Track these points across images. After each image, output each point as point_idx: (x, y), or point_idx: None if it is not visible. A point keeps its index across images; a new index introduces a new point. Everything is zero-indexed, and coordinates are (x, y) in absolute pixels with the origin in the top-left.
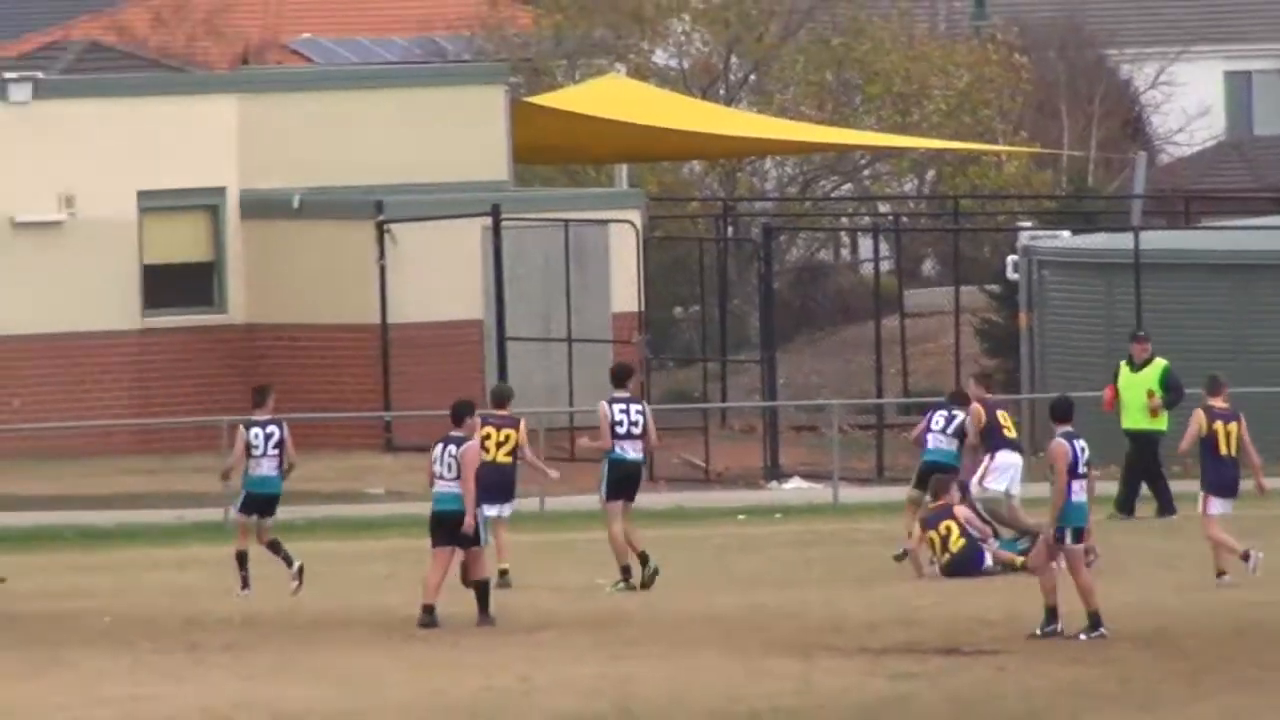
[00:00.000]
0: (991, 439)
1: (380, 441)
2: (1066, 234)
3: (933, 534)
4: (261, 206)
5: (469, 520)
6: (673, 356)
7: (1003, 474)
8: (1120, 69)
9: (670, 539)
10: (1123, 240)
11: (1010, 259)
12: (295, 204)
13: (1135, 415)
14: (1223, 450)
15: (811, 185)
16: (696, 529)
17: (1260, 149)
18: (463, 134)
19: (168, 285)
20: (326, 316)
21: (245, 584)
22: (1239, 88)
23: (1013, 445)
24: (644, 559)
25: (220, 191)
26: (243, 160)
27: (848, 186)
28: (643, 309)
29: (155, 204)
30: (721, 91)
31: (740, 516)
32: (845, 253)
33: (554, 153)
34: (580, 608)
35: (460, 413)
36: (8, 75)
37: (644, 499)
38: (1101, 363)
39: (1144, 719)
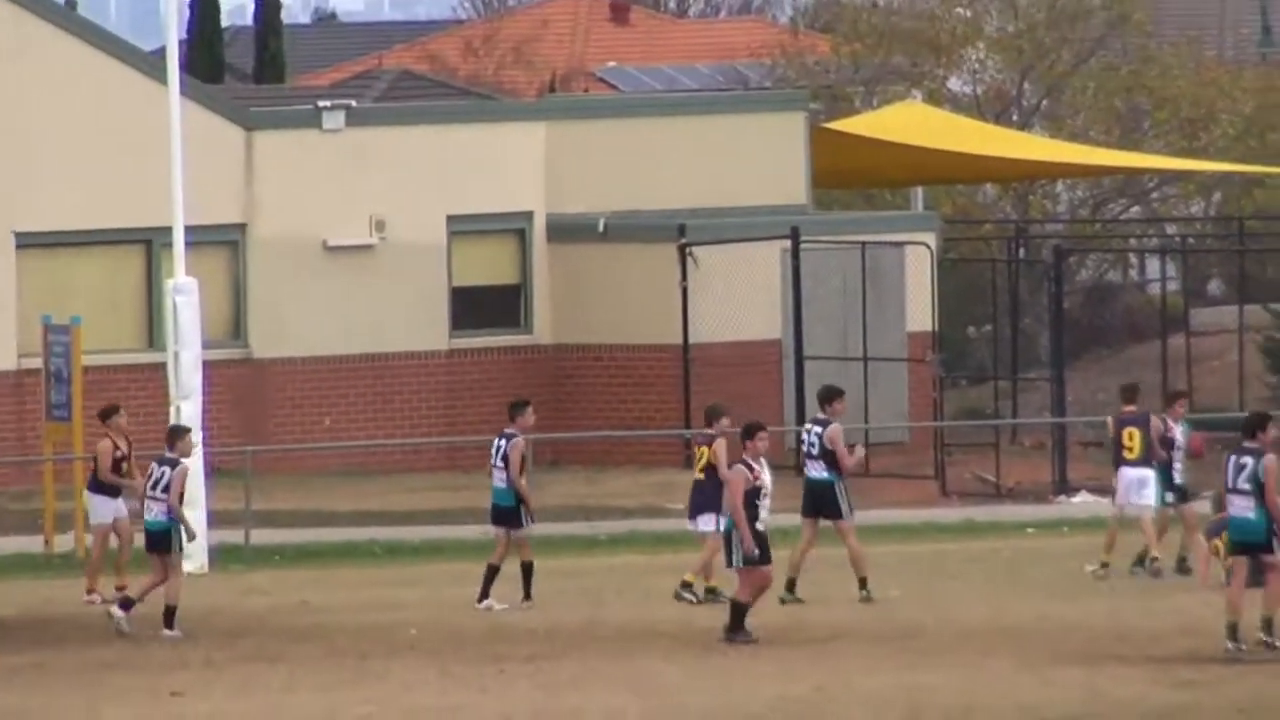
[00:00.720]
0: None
1: (681, 459)
2: None
3: (1216, 542)
4: (567, 230)
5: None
6: (965, 375)
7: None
8: None
9: (962, 552)
10: None
11: None
12: (600, 227)
13: None
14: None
15: (1101, 208)
16: (987, 542)
17: None
18: (763, 159)
19: (476, 307)
20: (630, 337)
21: (482, 596)
22: None
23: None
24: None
25: (528, 216)
26: (550, 185)
27: (1136, 209)
28: (936, 328)
29: (464, 228)
30: (1014, 117)
31: (1029, 530)
32: (1133, 273)
33: (851, 177)
34: (874, 619)
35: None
36: (321, 103)
37: (936, 513)
38: None
39: None
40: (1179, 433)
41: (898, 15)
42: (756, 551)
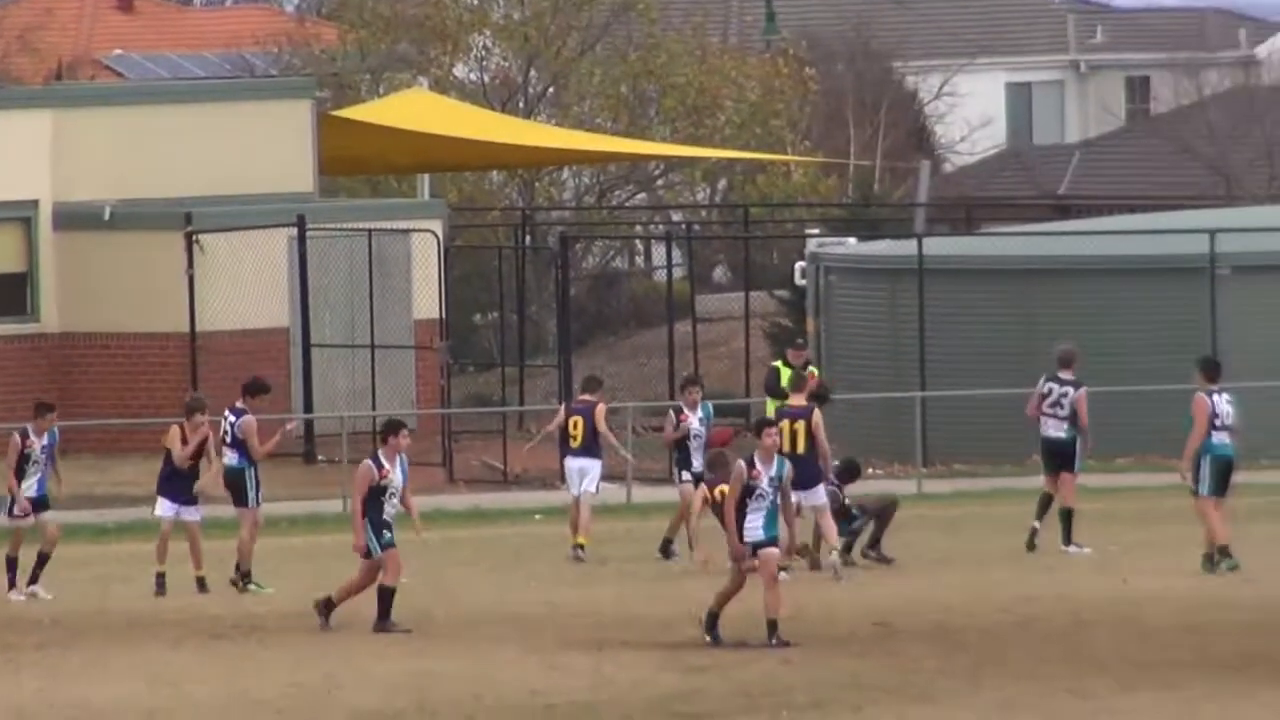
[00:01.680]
0: None
1: None
2: (853, 241)
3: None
4: (74, 218)
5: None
6: (473, 361)
7: None
8: (906, 80)
9: (469, 539)
10: (907, 247)
11: (798, 265)
12: (106, 215)
13: None
14: (785, 447)
15: (607, 195)
16: (495, 529)
17: (1039, 157)
18: (270, 147)
19: None
20: (138, 325)
21: (11, 585)
22: (1019, 98)
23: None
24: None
25: (33, 204)
26: (56, 173)
27: (642, 196)
28: (444, 316)
29: None
30: (521, 104)
31: (537, 516)
32: (640, 260)
33: (358, 164)
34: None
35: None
36: None
37: (443, 500)
38: (888, 365)
39: (925, 710)
40: (695, 420)
41: (404, 2)
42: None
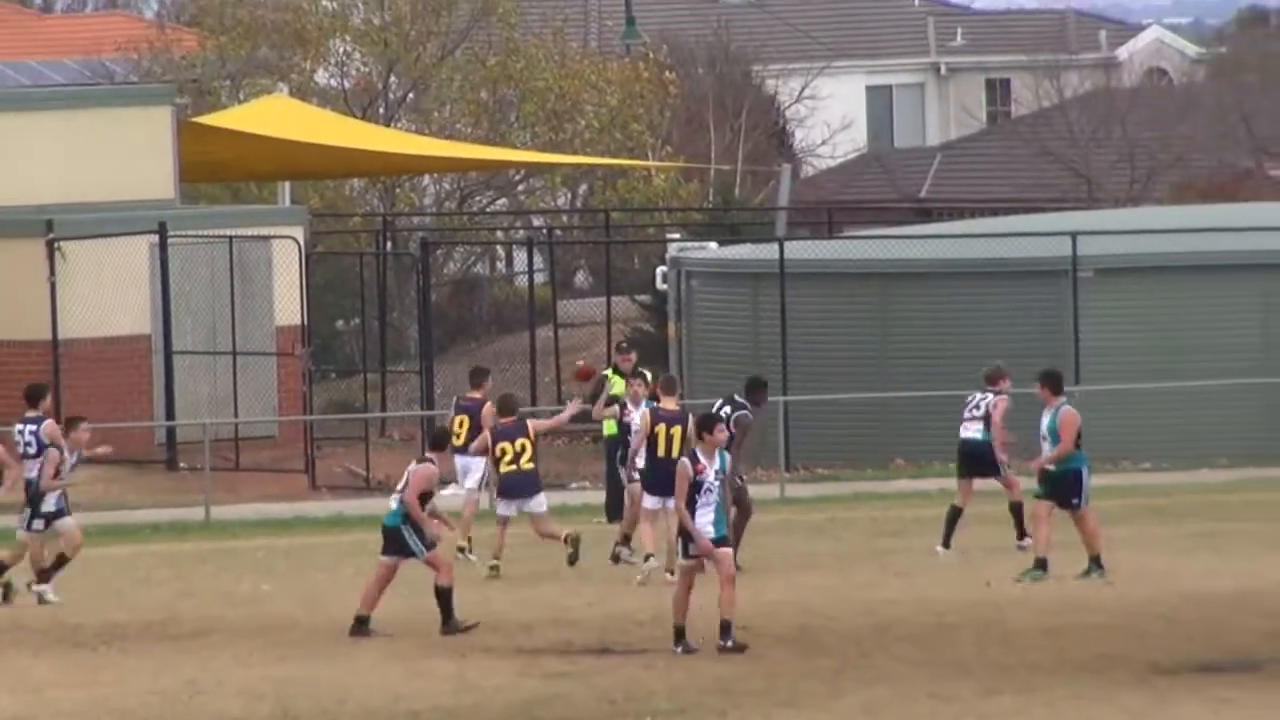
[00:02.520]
0: None
1: None
2: (714, 245)
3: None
4: None
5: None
6: (335, 368)
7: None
8: (766, 84)
9: (332, 545)
10: (768, 250)
11: (660, 270)
12: None
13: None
14: (661, 452)
15: (468, 200)
16: (358, 535)
17: (900, 160)
18: (130, 154)
19: None
20: (0, 332)
21: None
22: (879, 101)
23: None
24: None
25: None
26: None
27: (503, 201)
28: (306, 322)
29: None
30: (381, 110)
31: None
32: (500, 265)
33: (219, 171)
34: (247, 613)
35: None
36: None
37: (306, 506)
38: (749, 369)
39: (788, 714)
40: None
41: (263, 8)
42: None
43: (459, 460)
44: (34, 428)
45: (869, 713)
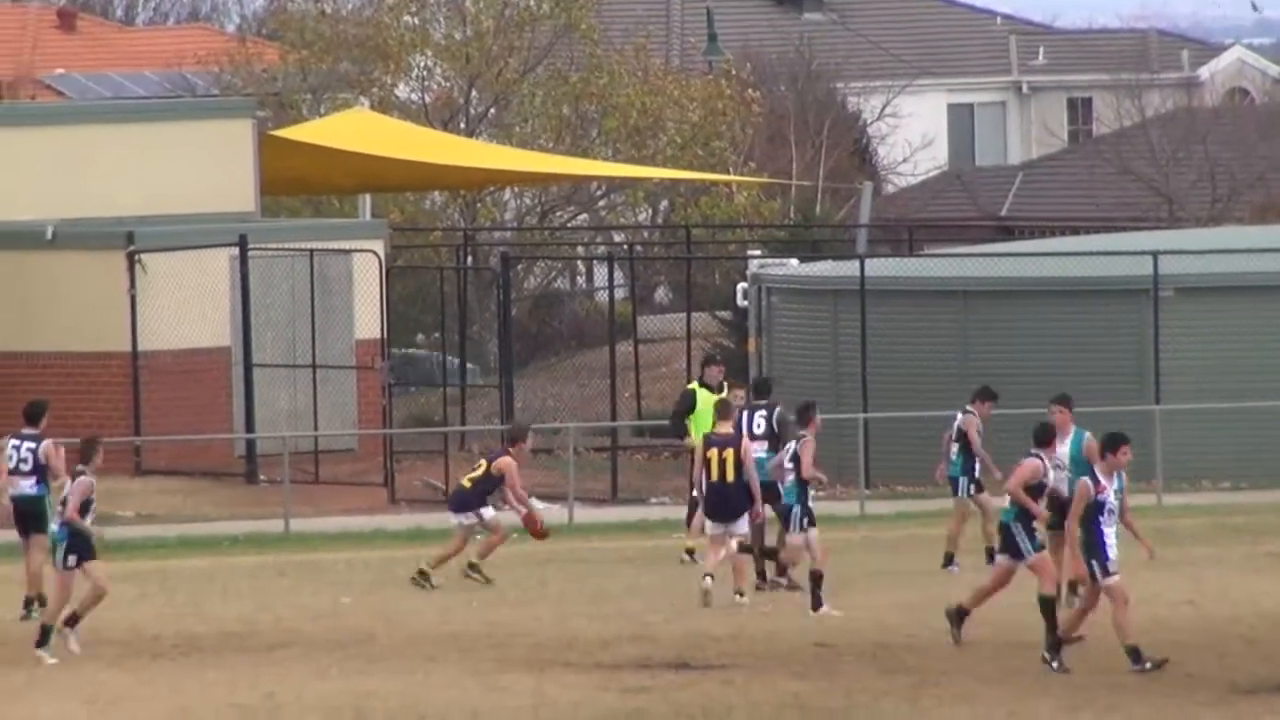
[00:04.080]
0: None
1: (131, 466)
2: (794, 262)
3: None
4: (14, 238)
5: None
6: (414, 382)
7: None
8: (848, 102)
9: (410, 559)
10: (848, 268)
11: (740, 286)
12: (49, 235)
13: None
14: (714, 476)
15: (549, 215)
16: (437, 549)
17: (981, 178)
18: (211, 166)
19: None
20: (78, 344)
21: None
22: (961, 119)
23: None
24: None
25: None
26: None
27: (584, 217)
28: (385, 335)
29: None
30: (462, 125)
31: (479, 537)
32: (581, 280)
33: (300, 184)
34: (325, 626)
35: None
36: None
37: (385, 520)
38: (829, 386)
39: None
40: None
41: (345, 22)
42: None
43: None
44: (31, 445)
45: None
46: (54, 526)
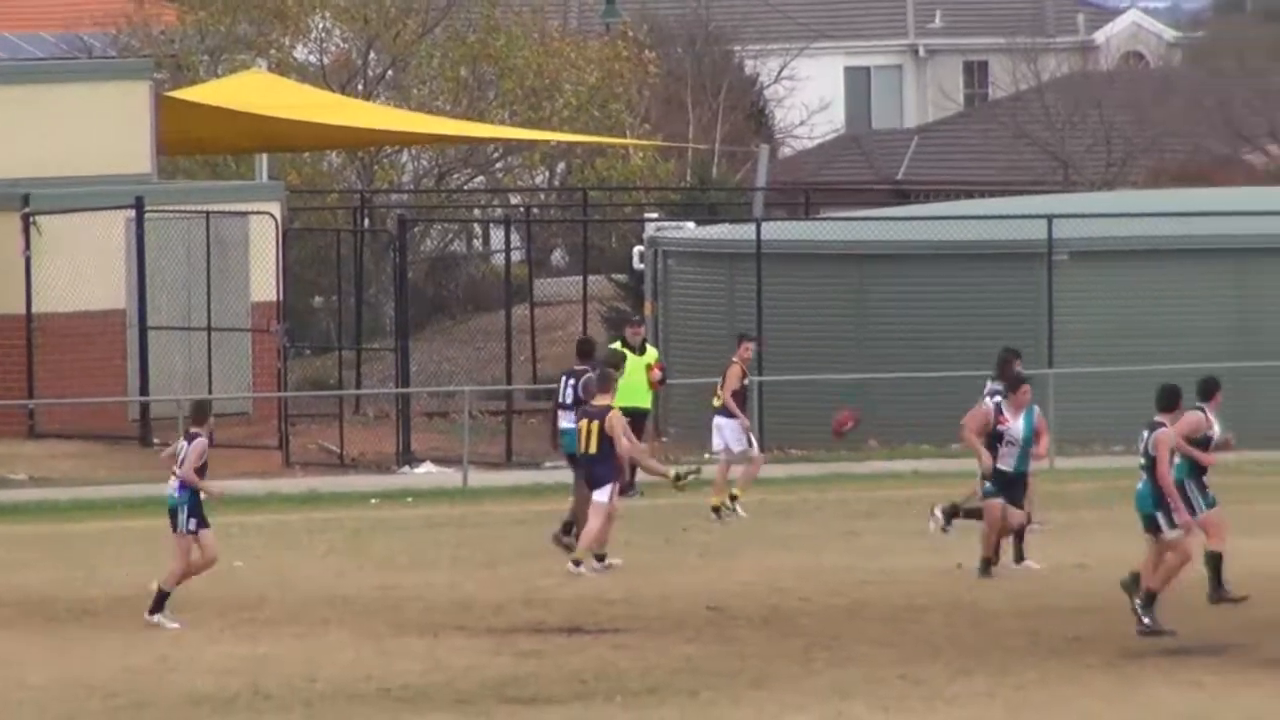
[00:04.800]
0: None
1: (24, 428)
2: (691, 225)
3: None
4: None
5: None
6: (310, 345)
7: None
8: (745, 64)
9: (305, 523)
10: (744, 230)
11: (636, 249)
12: None
13: (641, 394)
14: (581, 446)
15: (446, 178)
16: (331, 513)
17: (878, 142)
18: (108, 128)
19: None
20: None
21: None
22: (858, 83)
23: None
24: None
25: None
26: None
27: (480, 179)
28: (281, 298)
29: None
30: (360, 87)
31: (373, 500)
32: (478, 243)
33: (197, 146)
34: (219, 589)
35: None
36: None
37: (279, 484)
38: (725, 350)
39: (758, 695)
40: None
41: None
42: None
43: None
44: None
45: (839, 693)
46: (172, 490)
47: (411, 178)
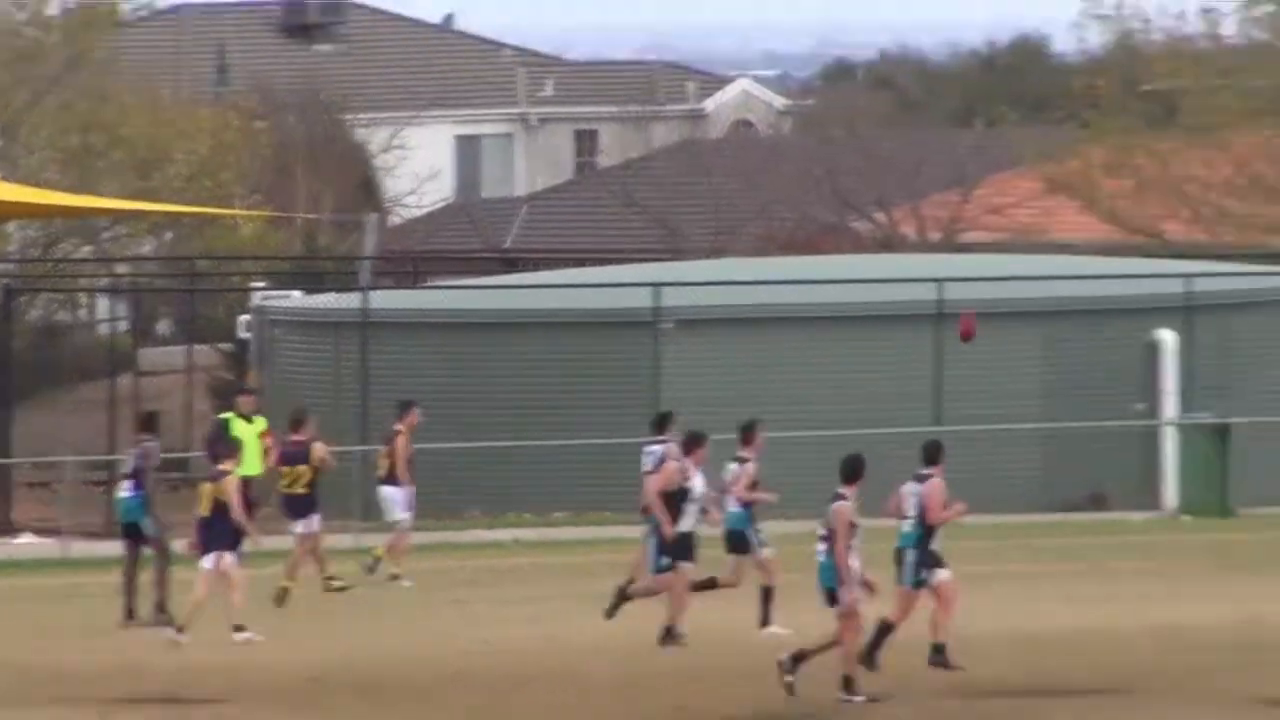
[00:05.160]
0: None
1: None
2: (298, 294)
3: None
4: None
5: None
6: None
7: None
8: (356, 133)
9: None
10: (352, 299)
11: (242, 318)
12: None
13: (253, 463)
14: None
15: (53, 247)
16: None
17: (487, 210)
18: None
19: None
20: None
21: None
22: (468, 151)
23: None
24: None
25: None
26: None
27: (88, 248)
28: None
29: None
30: None
31: None
32: (85, 313)
33: None
34: None
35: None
36: None
37: None
38: (330, 419)
39: None
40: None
41: None
42: None
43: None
44: None
45: None
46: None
47: (18, 247)
